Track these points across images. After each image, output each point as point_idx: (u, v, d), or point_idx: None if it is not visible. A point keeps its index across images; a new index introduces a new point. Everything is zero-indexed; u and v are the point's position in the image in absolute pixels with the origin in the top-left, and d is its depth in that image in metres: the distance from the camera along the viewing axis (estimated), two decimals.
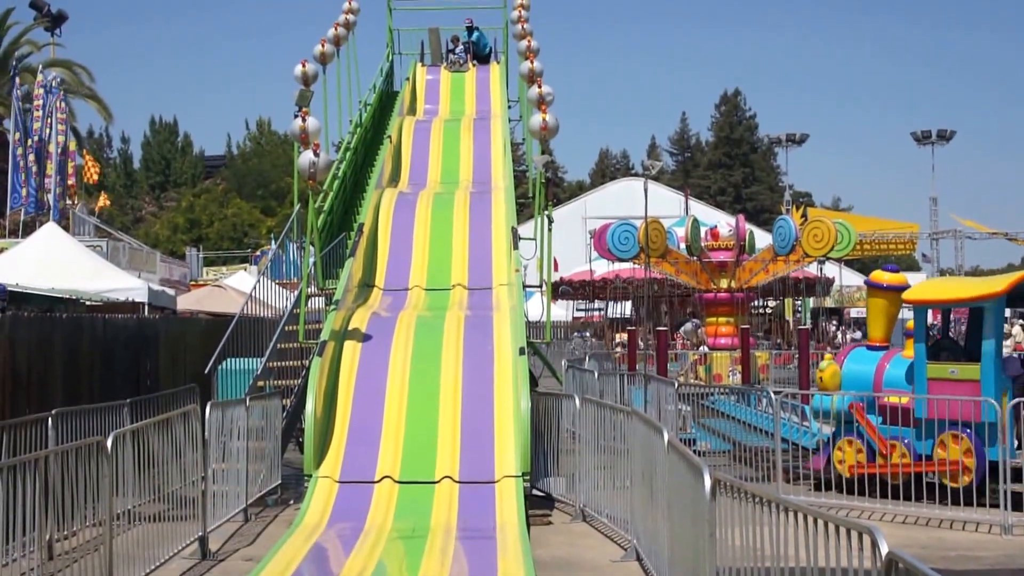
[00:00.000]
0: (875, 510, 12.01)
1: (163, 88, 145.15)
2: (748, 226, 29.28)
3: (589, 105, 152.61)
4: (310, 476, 11.43)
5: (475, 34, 25.05)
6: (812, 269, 31.82)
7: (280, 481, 13.33)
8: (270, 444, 13.02)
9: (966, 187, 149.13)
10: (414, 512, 10.81)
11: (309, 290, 14.92)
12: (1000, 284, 12.55)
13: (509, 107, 22.61)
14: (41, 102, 27.58)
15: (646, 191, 21.76)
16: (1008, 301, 12.32)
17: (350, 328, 13.51)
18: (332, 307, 13.69)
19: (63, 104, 28.46)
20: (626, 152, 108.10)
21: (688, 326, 27.05)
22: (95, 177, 36.11)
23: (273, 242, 37.15)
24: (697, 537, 7.00)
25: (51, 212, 26.90)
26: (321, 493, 11.20)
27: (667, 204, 50.50)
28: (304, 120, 13.24)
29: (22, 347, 12.60)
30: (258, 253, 45.00)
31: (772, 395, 13.56)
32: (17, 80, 28.33)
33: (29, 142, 27.12)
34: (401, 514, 10.81)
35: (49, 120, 27.79)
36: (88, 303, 19.69)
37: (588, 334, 38.70)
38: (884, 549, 4.79)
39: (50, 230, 22.13)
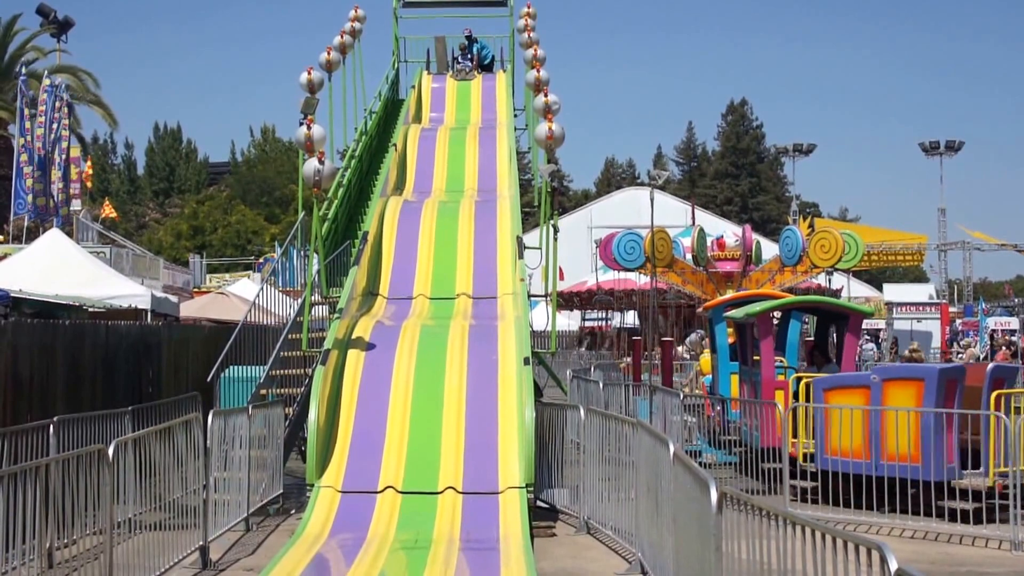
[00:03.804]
0: (883, 525, 11.90)
1: (167, 94, 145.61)
2: (755, 236, 29.23)
3: (595, 114, 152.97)
4: (312, 486, 11.35)
5: (475, 45, 25.02)
6: (820, 280, 31.76)
7: (282, 490, 13.25)
8: (272, 453, 12.94)
9: (975, 198, 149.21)
10: (417, 523, 10.73)
11: (313, 298, 14.86)
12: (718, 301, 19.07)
13: (515, 116, 22.58)
14: (46, 107, 27.56)
15: (652, 200, 21.73)
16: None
17: (354, 337, 13.45)
18: (336, 315, 13.63)
19: (66, 110, 28.40)
20: (632, 161, 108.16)
21: (694, 336, 26.98)
22: (90, 180, 36.14)
23: (277, 250, 37.11)
24: (703, 551, 6.92)
25: (55, 219, 26.87)
26: (323, 503, 11.12)
27: (673, 214, 50.45)
28: (309, 128, 13.19)
29: (24, 353, 12.54)
30: (261, 260, 44.96)
31: (779, 406, 13.46)
32: (22, 86, 28.31)
33: (39, 147, 27.10)
34: (404, 525, 10.73)
35: (54, 126, 27.78)
36: (91, 309, 19.62)
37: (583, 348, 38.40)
38: (893, 565, 4.72)
39: (53, 236, 22.09)
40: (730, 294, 20.53)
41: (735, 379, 16.92)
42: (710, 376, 18.79)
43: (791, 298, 17.97)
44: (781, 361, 16.04)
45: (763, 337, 15.23)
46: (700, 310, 20.92)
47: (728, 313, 17.14)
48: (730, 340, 17.88)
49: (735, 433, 15.53)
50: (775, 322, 16.66)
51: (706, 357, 20.14)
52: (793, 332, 16.70)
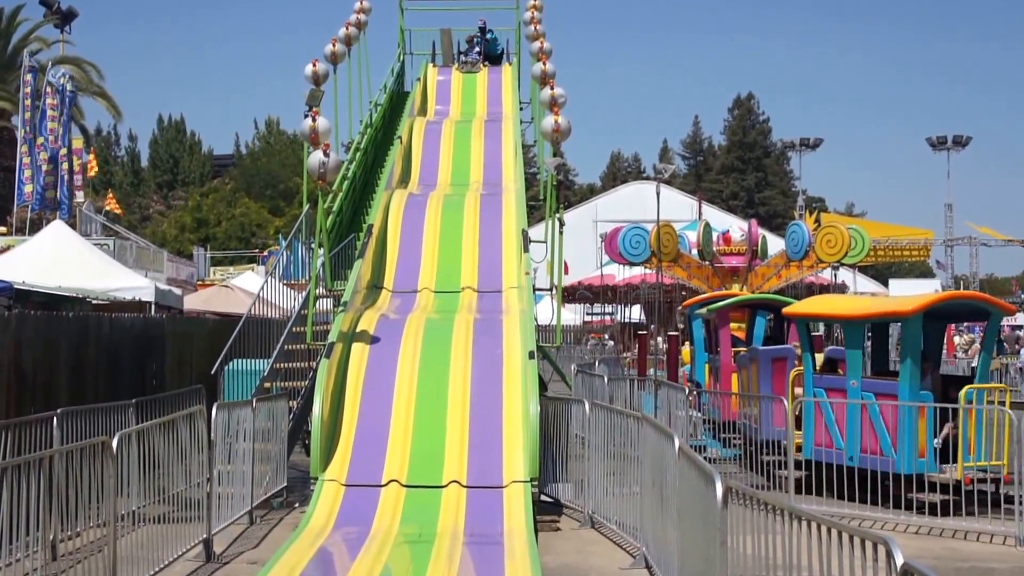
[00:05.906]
0: (888, 520, 11.86)
1: (171, 86, 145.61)
2: (761, 231, 29.17)
3: (601, 108, 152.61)
4: (316, 479, 11.34)
5: (488, 36, 24.97)
6: (826, 275, 31.70)
7: (286, 484, 13.23)
8: (276, 446, 12.93)
9: (981, 194, 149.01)
10: (421, 517, 10.71)
11: (317, 291, 14.83)
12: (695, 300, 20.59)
13: (521, 109, 22.52)
14: (54, 100, 27.54)
15: (658, 195, 21.64)
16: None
17: (358, 330, 13.42)
18: (340, 308, 13.60)
19: (65, 101, 28.38)
20: (638, 155, 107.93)
21: None
22: (94, 170, 36.08)
23: (281, 243, 37.09)
24: (708, 545, 6.89)
25: (59, 210, 26.86)
26: (327, 496, 11.11)
27: (679, 208, 50.30)
28: (314, 120, 13.16)
29: (28, 346, 12.53)
30: (266, 253, 44.97)
31: (784, 402, 13.42)
32: (26, 77, 28.29)
33: (40, 140, 27.08)
34: (408, 518, 10.71)
35: (63, 119, 27.78)
36: (94, 302, 19.63)
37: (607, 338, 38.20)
38: (899, 560, 4.70)
39: (57, 228, 22.09)
40: (706, 294, 22.43)
41: (708, 367, 19.22)
42: (689, 365, 20.68)
43: (746, 296, 20.86)
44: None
45: (721, 328, 17.89)
46: (680, 308, 23.21)
47: (696, 311, 19.13)
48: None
49: (705, 412, 17.21)
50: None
51: (686, 349, 21.76)
52: (759, 327, 18.83)
